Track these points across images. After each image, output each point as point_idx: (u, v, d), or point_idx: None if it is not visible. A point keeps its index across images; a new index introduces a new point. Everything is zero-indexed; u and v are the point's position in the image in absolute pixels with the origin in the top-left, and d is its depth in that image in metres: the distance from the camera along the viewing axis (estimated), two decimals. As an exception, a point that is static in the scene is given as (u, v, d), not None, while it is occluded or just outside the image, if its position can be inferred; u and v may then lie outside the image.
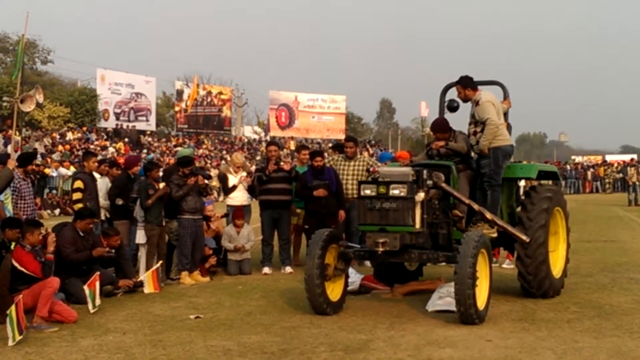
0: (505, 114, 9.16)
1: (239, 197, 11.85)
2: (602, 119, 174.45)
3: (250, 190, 11.75)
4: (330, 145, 35.83)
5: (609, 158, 63.51)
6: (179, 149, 40.27)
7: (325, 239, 7.90)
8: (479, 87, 9.06)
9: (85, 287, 8.27)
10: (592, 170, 49.94)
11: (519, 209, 9.15)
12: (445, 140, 8.94)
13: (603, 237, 16.47)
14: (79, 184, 10.41)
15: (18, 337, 6.68)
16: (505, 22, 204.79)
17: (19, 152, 13.88)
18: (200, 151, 42.25)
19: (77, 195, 10.37)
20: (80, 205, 10.09)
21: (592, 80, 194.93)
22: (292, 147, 46.91)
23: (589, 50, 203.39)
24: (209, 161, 39.20)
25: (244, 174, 11.96)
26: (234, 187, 11.81)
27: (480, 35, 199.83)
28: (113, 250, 9.53)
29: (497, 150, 8.62)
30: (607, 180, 47.28)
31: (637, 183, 29.91)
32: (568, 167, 48.94)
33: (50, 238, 8.15)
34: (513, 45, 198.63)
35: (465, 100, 8.99)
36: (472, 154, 8.93)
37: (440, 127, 9.10)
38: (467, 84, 8.92)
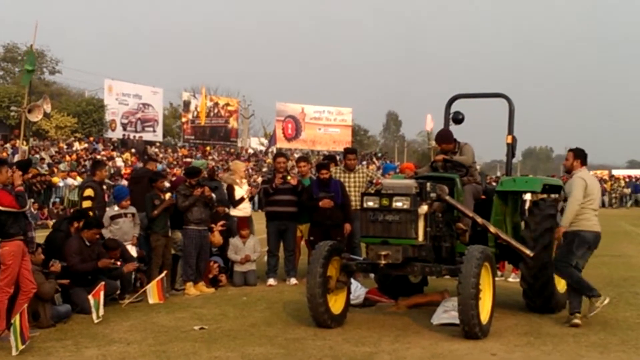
0: (511, 127, 9.18)
1: (246, 207, 11.81)
2: (609, 133, 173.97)
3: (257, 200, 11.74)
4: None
5: (615, 172, 63.25)
6: (188, 159, 40.40)
7: (328, 251, 7.87)
8: (486, 99, 9.14)
9: (90, 297, 8.28)
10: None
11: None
12: (449, 154, 8.97)
13: (609, 251, 16.34)
14: (89, 192, 10.23)
15: (21, 347, 6.68)
16: (511, 35, 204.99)
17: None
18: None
19: (87, 204, 10.17)
20: (89, 213, 10.06)
21: (599, 94, 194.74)
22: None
23: (594, 64, 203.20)
24: (216, 172, 39.13)
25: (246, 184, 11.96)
26: (242, 199, 11.73)
27: (486, 49, 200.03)
28: (119, 262, 9.54)
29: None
30: (613, 195, 47.12)
31: None
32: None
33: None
34: (519, 58, 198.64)
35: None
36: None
37: (444, 138, 9.17)
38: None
